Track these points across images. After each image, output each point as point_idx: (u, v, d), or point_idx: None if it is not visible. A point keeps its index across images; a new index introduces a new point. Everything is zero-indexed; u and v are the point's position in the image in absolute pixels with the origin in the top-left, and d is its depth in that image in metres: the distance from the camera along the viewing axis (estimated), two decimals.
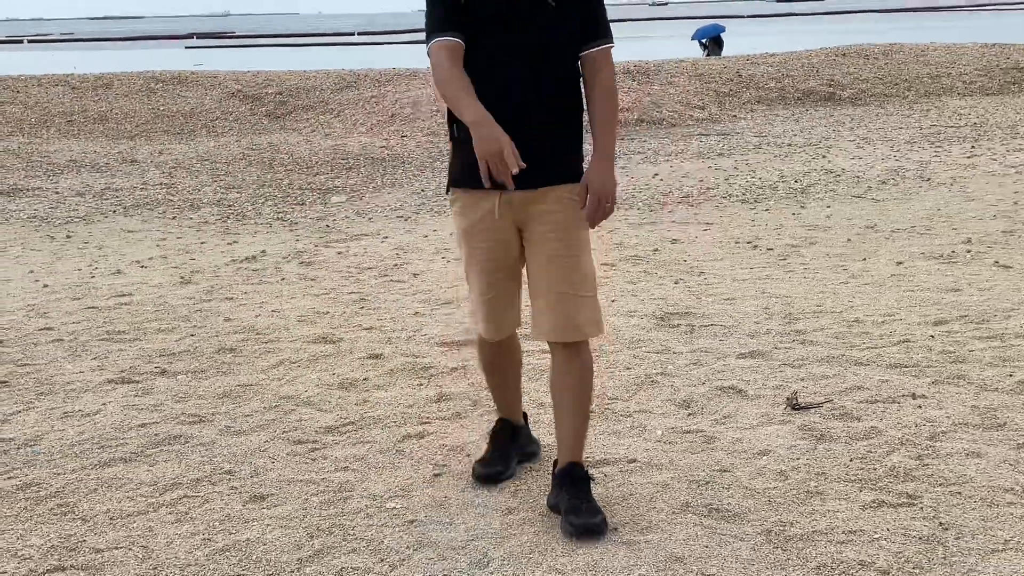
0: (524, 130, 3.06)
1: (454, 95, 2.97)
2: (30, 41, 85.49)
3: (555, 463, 3.28)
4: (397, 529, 3.19)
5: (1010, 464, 3.42)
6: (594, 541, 3.02)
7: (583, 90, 3.21)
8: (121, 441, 3.96)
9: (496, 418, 3.63)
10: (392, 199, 9.97)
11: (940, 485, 3.29)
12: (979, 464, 3.43)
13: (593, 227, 3.14)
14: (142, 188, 10.81)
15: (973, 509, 3.13)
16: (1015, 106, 15.71)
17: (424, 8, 3.18)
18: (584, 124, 3.24)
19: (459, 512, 3.29)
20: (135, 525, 3.27)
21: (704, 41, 27.96)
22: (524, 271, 3.29)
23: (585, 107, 3.21)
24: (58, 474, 3.67)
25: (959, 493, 3.23)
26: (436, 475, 3.58)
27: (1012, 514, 3.09)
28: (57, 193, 10.48)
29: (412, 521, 3.24)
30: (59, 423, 4.18)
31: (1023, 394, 4.06)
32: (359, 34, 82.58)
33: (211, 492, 3.50)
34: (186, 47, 68.88)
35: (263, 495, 3.46)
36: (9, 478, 3.64)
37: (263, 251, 7.56)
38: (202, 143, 14.44)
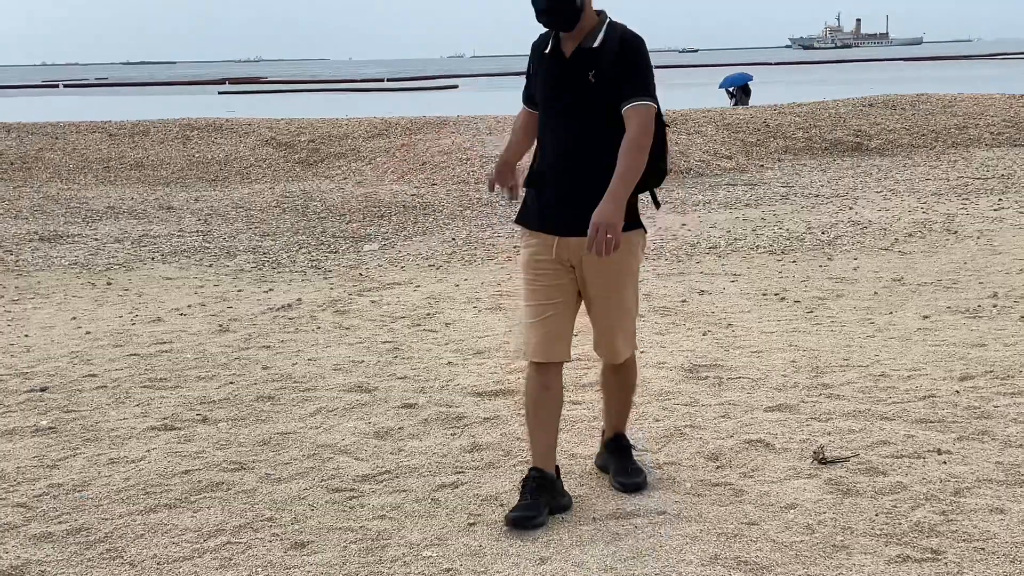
0: (571, 185, 3.66)
1: (506, 143, 4.08)
2: (66, 86, 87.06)
3: (603, 432, 4.15)
4: None
5: None
6: (639, 494, 3.85)
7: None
8: (166, 487, 4.10)
9: (529, 467, 3.79)
10: (423, 247, 10.14)
11: (964, 541, 3.37)
12: (1003, 520, 3.51)
13: (599, 255, 3.50)
14: (179, 235, 11.04)
15: (996, 565, 3.20)
16: None
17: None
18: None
19: (494, 561, 3.39)
20: (182, 570, 3.39)
21: (732, 90, 28.22)
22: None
23: None
24: (106, 519, 3.81)
25: (983, 549, 3.31)
26: (471, 524, 3.68)
27: None
28: (96, 240, 10.72)
29: (448, 570, 3.35)
30: (105, 469, 4.32)
31: None
32: (389, 80, 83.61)
33: (253, 539, 3.62)
34: (219, 92, 69.94)
35: (304, 542, 3.58)
36: (59, 523, 3.78)
37: (299, 299, 7.72)
38: (236, 190, 14.71)
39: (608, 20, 3.67)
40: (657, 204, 3.95)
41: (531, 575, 3.30)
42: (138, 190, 14.76)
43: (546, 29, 3.73)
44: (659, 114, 3.64)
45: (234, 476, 4.20)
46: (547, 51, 3.72)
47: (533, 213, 3.76)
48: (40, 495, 4.05)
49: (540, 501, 3.68)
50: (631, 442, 4.12)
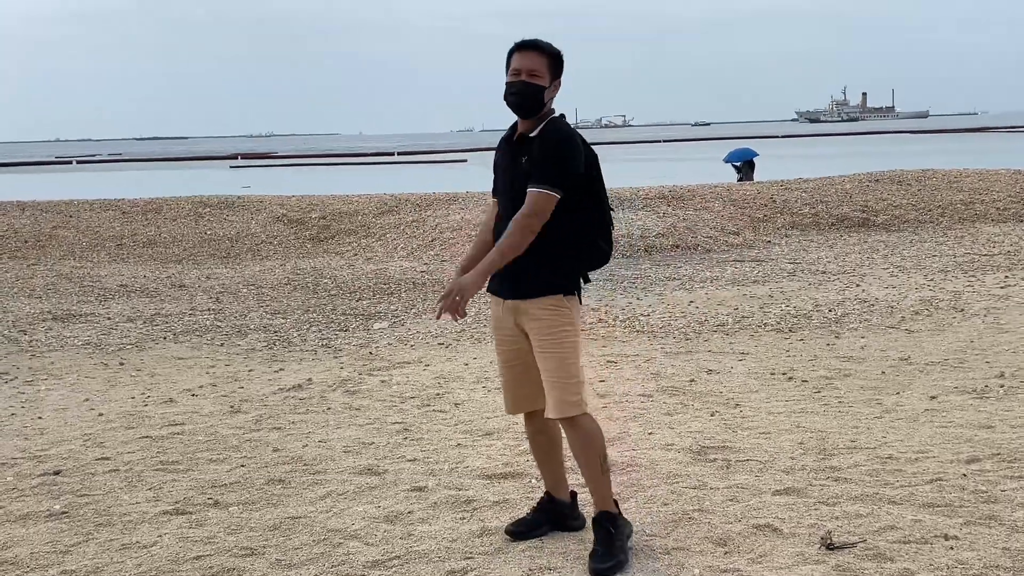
0: (519, 257, 4.04)
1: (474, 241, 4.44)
2: (79, 162, 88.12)
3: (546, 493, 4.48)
4: None
5: None
6: None
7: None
8: (177, 573, 4.12)
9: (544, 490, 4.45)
10: (433, 325, 10.22)
11: None
12: None
13: (438, 316, 4.06)
14: (191, 314, 11.14)
15: None
16: None
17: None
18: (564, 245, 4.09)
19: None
20: None
21: (738, 164, 28.48)
22: None
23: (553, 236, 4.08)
24: None
25: None
26: None
27: None
28: (109, 319, 10.82)
29: None
30: (117, 555, 4.35)
31: None
32: (399, 154, 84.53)
33: None
34: (231, 166, 70.77)
35: None
36: None
37: (309, 379, 7.79)
38: (248, 267, 14.86)
39: (552, 116, 4.13)
40: (586, 280, 4.22)
41: None
42: (150, 268, 14.92)
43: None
44: (604, 199, 4.12)
45: (245, 562, 4.23)
46: (503, 138, 4.27)
47: (493, 279, 4.18)
48: None
49: (541, 518, 4.37)
50: (615, 517, 4.18)
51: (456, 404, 6.90)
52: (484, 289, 4.14)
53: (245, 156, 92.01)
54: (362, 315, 10.97)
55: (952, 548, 4.06)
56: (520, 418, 4.71)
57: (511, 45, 4.15)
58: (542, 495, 4.49)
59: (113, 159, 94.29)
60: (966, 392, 6.67)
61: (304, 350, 9.18)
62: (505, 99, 4.11)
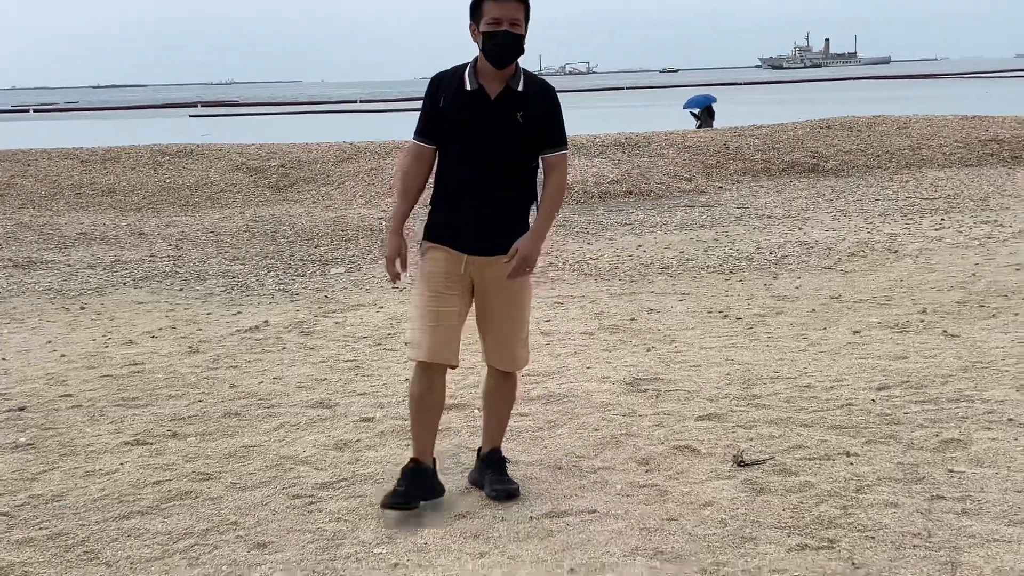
0: (487, 212, 4.07)
1: (396, 192, 4.26)
2: (36, 111, 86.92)
3: (479, 449, 4.44)
4: (383, 572, 3.65)
5: (921, 513, 3.89)
6: (512, 502, 4.13)
7: (544, 182, 4.15)
8: (138, 496, 4.43)
9: (410, 457, 4.24)
10: None
11: (858, 531, 3.76)
12: (895, 513, 3.90)
13: (508, 276, 4.07)
14: (150, 260, 11.35)
15: (883, 551, 3.60)
16: (990, 177, 16.33)
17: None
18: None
19: (437, 556, 3.75)
20: (153, 569, 3.74)
21: (696, 112, 28.77)
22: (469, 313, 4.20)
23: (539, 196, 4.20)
24: (83, 525, 4.14)
25: (873, 538, 3.70)
26: (419, 526, 4.04)
27: (916, 555, 3.55)
28: (69, 266, 11.02)
29: (396, 564, 3.71)
30: (82, 481, 4.65)
31: (944, 452, 4.54)
32: (361, 102, 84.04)
33: (219, 540, 3.96)
34: (190, 115, 70.09)
35: (265, 543, 3.93)
36: (40, 529, 4.11)
37: (266, 321, 8.06)
38: (207, 215, 15.03)
39: (520, 67, 4.07)
40: None
41: (471, 567, 3.66)
42: (110, 216, 15.05)
43: (452, 66, 4.14)
44: None
45: (202, 486, 4.54)
46: (468, 88, 4.02)
47: (444, 231, 4.11)
48: (21, 505, 4.38)
49: (414, 490, 4.09)
50: (505, 457, 4.40)
51: (407, 343, 7.20)
52: (424, 239, 4.14)
53: (205, 104, 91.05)
54: (319, 261, 11.23)
55: (851, 463, 4.44)
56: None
57: None
58: (407, 463, 4.21)
59: (71, 108, 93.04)
60: (888, 327, 7.07)
61: (262, 294, 9.44)
62: (484, 50, 3.96)
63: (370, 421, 5.41)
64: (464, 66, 4.10)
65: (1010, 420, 4.91)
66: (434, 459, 4.28)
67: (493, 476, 4.31)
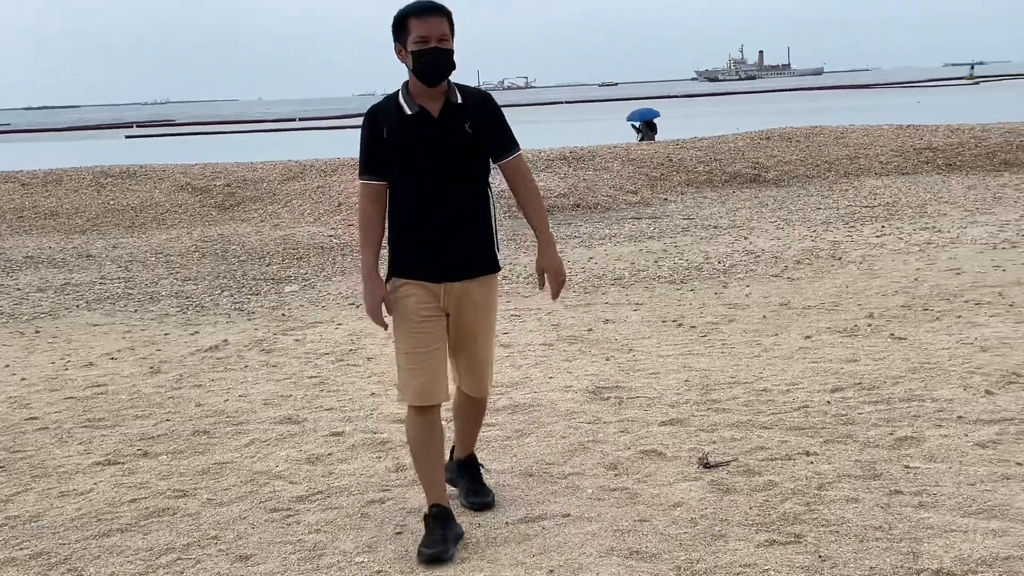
0: (457, 233, 3.94)
1: (362, 241, 4.05)
2: None
3: (452, 449, 4.50)
4: None
5: (881, 507, 4.07)
6: (488, 512, 4.24)
7: (512, 190, 4.10)
8: (116, 515, 4.47)
9: (429, 505, 3.99)
10: (343, 287, 10.55)
11: (822, 526, 3.93)
12: (856, 508, 4.07)
13: (555, 299, 4.17)
14: (101, 283, 11.29)
15: (847, 544, 3.76)
16: (926, 185, 16.77)
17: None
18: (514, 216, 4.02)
19: (418, 563, 3.85)
20: None
21: (638, 125, 29.15)
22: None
23: (518, 205, 4.16)
24: (63, 544, 4.17)
25: (837, 531, 3.87)
26: (398, 533, 4.14)
27: (879, 547, 3.72)
28: (19, 290, 10.92)
29: (379, 571, 3.80)
30: (57, 501, 4.68)
31: (899, 449, 4.73)
32: (300, 120, 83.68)
33: (202, 555, 4.02)
34: (126, 136, 69.32)
35: (247, 555, 3.99)
36: (21, 549, 4.14)
37: (225, 340, 8.09)
38: (154, 236, 14.95)
39: (452, 80, 3.95)
40: None
41: (452, 572, 3.76)
42: (55, 239, 14.91)
43: (383, 98, 4.01)
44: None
45: (178, 502, 4.59)
46: (409, 113, 3.86)
47: (414, 265, 3.94)
48: None
49: (448, 535, 3.90)
50: (480, 463, 4.50)
51: (369, 358, 7.29)
52: (393, 278, 3.98)
53: (142, 124, 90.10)
54: (272, 279, 11.25)
55: (812, 462, 4.62)
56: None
57: (403, 9, 3.87)
58: (429, 510, 3.99)
59: (5, 130, 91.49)
60: (837, 331, 7.29)
61: (218, 314, 9.45)
62: (416, 70, 3.83)
63: (340, 435, 5.48)
64: (392, 96, 3.97)
65: (959, 417, 5.12)
66: (448, 499, 4.11)
67: (469, 485, 4.39)
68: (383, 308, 3.98)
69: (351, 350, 7.54)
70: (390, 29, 3.92)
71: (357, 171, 4.04)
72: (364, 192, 3.99)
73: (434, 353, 3.95)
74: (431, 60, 3.82)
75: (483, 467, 4.55)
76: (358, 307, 9.47)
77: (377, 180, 3.95)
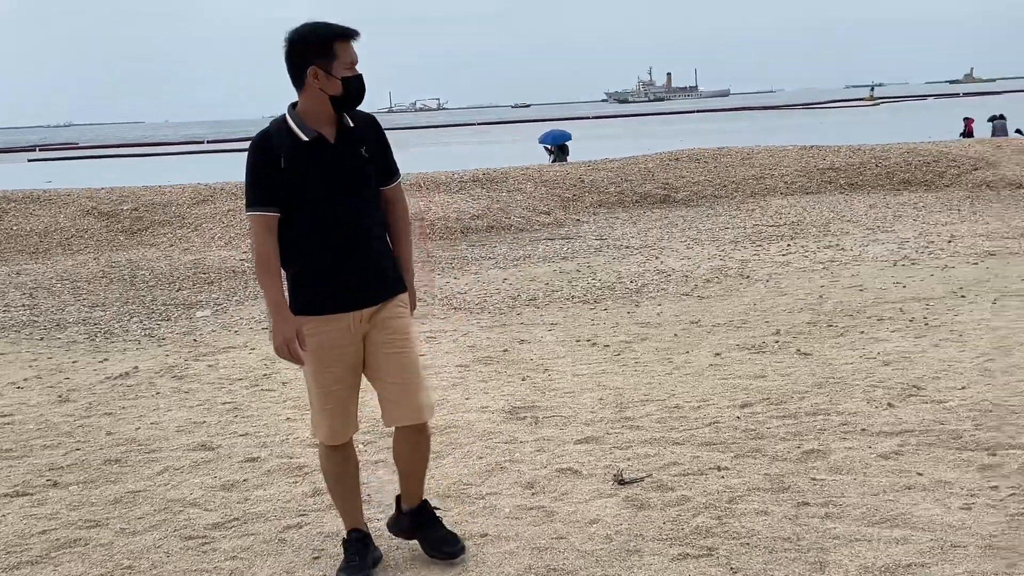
0: (365, 258, 3.81)
1: (263, 275, 3.74)
2: None
3: (398, 497, 4.12)
4: None
5: (790, 519, 4.19)
6: (462, 557, 3.99)
7: (389, 218, 3.98)
8: (25, 547, 4.38)
9: (347, 530, 4.01)
10: (255, 311, 10.46)
11: (733, 538, 4.03)
12: (766, 520, 4.19)
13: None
14: (4, 310, 11.01)
15: (758, 556, 3.87)
16: (829, 204, 17.24)
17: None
18: None
19: None
20: None
21: (550, 147, 29.43)
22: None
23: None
24: None
25: (748, 544, 3.97)
26: (316, 558, 4.13)
27: (787, 557, 3.84)
28: None
29: None
30: None
31: (806, 462, 4.87)
32: (209, 142, 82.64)
33: None
34: (28, 160, 67.66)
35: None
36: None
37: (135, 367, 7.96)
38: (59, 262, 14.63)
39: None
40: None
41: None
42: None
43: (268, 125, 3.80)
44: None
45: (90, 533, 4.52)
46: (306, 139, 3.71)
47: (323, 299, 3.76)
48: None
49: (367, 559, 3.95)
50: (435, 506, 4.17)
51: (284, 383, 7.25)
52: (298, 315, 3.76)
53: (44, 148, 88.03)
54: (183, 304, 11.09)
55: (723, 477, 4.73)
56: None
57: (327, 29, 3.68)
58: (348, 535, 4.01)
59: None
60: (746, 348, 7.47)
61: (127, 340, 9.29)
62: (342, 95, 3.69)
63: (255, 461, 5.45)
64: (281, 122, 3.76)
65: (863, 430, 5.29)
66: (366, 522, 4.11)
67: (431, 535, 4.05)
68: (296, 344, 3.73)
69: (265, 375, 7.49)
70: (297, 47, 3.67)
71: (244, 203, 3.79)
72: (259, 224, 3.72)
73: (346, 391, 3.85)
74: (359, 87, 3.73)
75: (438, 508, 4.23)
76: (270, 331, 9.39)
77: (272, 211, 3.71)
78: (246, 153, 3.79)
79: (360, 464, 4.23)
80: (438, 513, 4.17)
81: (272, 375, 7.47)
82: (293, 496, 4.88)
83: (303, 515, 4.63)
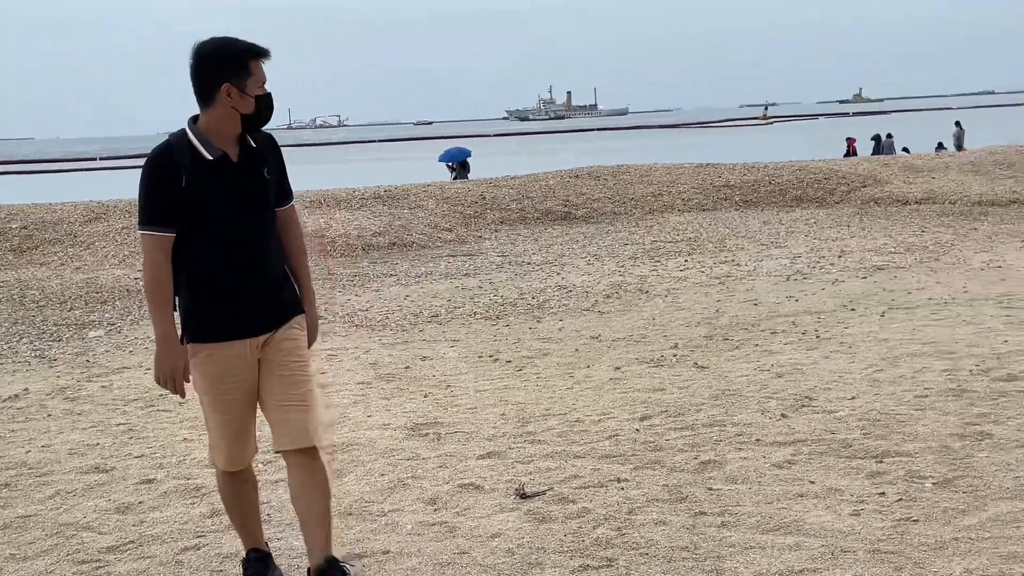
0: (264, 281, 3.70)
1: (154, 299, 3.59)
2: None
3: (308, 570, 3.72)
4: None
5: (687, 528, 4.27)
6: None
7: (284, 239, 3.85)
8: None
9: (247, 550, 3.96)
10: (151, 331, 10.22)
11: (633, 549, 4.09)
12: (665, 530, 4.26)
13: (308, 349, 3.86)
14: None
15: (656, 565, 3.93)
16: (725, 220, 17.62)
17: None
18: None
19: None
20: None
21: (452, 164, 29.52)
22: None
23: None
24: None
25: (647, 554, 4.04)
26: None
27: (685, 566, 3.91)
28: None
29: None
30: None
31: (703, 472, 4.97)
32: (102, 159, 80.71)
33: None
34: None
35: None
36: None
37: (25, 389, 7.74)
38: None
39: None
40: None
41: None
42: None
43: (165, 142, 3.68)
44: None
45: None
46: (210, 158, 3.58)
47: (219, 326, 3.65)
48: None
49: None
50: (344, 565, 3.77)
51: (180, 403, 7.11)
52: (191, 343, 3.65)
53: None
54: (75, 324, 10.81)
55: (623, 488, 4.80)
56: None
57: (241, 46, 3.59)
58: (247, 555, 3.96)
59: None
60: (645, 362, 7.58)
61: (16, 362, 9.02)
62: (254, 114, 3.61)
63: (151, 482, 5.34)
64: (182, 137, 3.61)
65: (757, 440, 5.42)
66: (266, 543, 4.05)
67: None
68: (181, 376, 3.60)
69: (161, 395, 7.34)
70: (209, 62, 3.55)
71: (138, 221, 3.64)
72: (154, 244, 3.55)
73: (244, 418, 3.75)
74: (270, 106, 3.64)
75: (352, 566, 3.90)
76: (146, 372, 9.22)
77: (169, 231, 3.55)
78: (138, 170, 3.69)
79: (259, 484, 4.19)
80: (352, 571, 3.81)
81: (168, 395, 7.33)
82: (191, 517, 4.79)
83: (201, 536, 4.56)
